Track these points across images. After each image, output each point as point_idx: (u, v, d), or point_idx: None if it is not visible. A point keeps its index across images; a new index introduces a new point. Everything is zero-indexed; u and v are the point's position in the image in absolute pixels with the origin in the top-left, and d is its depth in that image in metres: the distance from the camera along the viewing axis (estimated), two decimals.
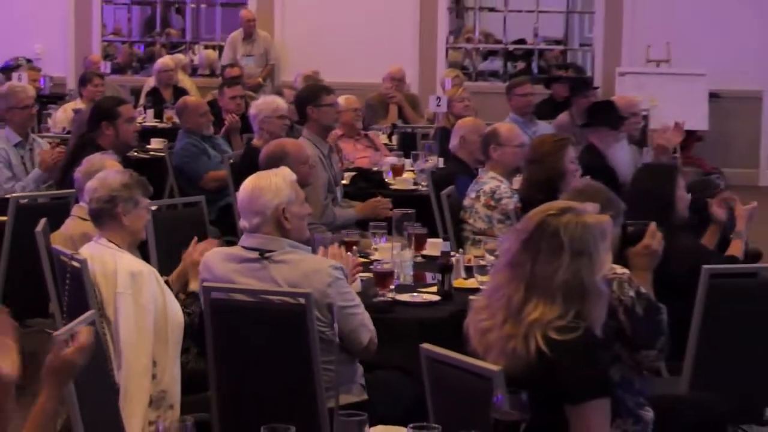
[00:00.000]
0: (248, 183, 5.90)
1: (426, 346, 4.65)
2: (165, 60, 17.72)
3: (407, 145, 12.30)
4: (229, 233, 8.76)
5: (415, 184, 10.18)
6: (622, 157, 9.50)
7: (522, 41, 20.87)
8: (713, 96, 16.86)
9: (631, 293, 5.01)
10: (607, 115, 9.74)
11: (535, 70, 19.88)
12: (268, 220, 5.68)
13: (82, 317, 4.74)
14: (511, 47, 20.68)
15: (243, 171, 8.14)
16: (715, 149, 16.42)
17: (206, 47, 22.03)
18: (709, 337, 5.98)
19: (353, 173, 9.91)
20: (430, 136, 12.67)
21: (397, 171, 10.65)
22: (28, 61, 20.01)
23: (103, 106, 9.81)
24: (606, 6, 18.43)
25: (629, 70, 17.38)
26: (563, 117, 11.49)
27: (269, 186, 5.78)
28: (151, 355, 5.69)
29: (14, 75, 15.16)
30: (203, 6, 23.61)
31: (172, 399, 5.70)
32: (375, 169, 10.36)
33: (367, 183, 9.59)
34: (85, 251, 5.93)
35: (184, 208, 8.43)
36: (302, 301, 5.41)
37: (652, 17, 17.59)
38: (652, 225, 5.55)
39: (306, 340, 5.38)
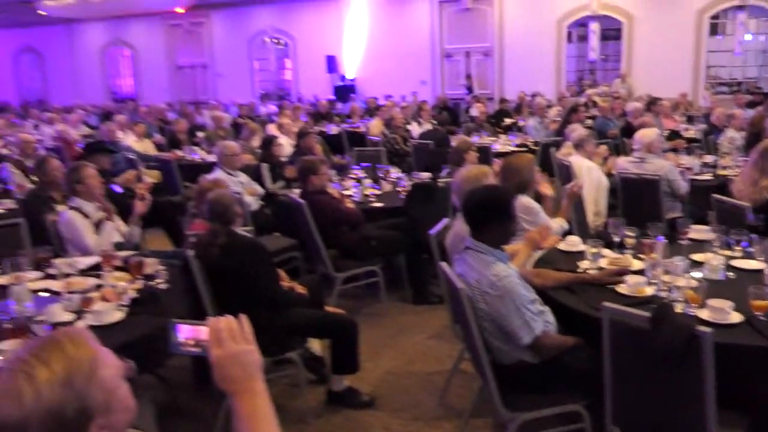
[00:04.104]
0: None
1: (715, 195, 4.07)
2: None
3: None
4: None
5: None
6: None
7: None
8: None
9: None
10: None
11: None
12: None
13: (569, 185, 4.30)
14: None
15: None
16: None
17: None
18: None
19: None
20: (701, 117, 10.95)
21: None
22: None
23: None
24: None
25: None
26: (760, 108, 10.03)
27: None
28: (594, 197, 5.36)
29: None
30: None
31: (603, 213, 5.28)
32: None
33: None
34: (572, 159, 5.44)
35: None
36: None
37: None
38: None
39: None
